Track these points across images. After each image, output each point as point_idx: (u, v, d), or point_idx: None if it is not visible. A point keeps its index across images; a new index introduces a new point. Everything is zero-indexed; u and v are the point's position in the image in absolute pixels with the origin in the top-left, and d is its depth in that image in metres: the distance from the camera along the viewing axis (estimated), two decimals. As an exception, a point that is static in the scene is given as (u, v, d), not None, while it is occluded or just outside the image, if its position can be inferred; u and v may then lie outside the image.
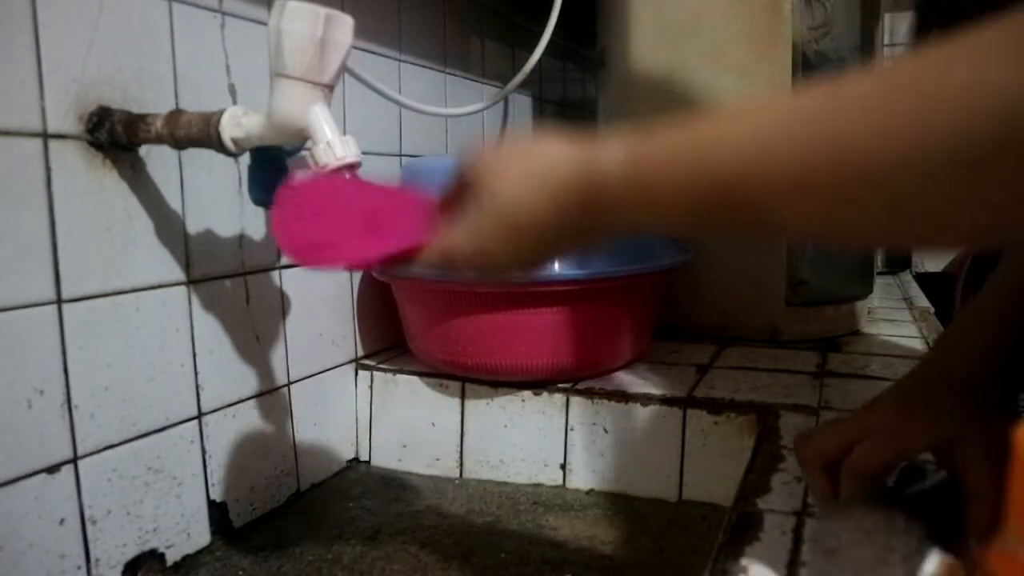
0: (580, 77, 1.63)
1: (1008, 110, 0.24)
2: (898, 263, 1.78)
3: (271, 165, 0.61)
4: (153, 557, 0.64)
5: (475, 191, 0.41)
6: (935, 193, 0.27)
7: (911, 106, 0.26)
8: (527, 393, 0.82)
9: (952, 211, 0.27)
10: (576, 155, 0.39)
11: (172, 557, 0.66)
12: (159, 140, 0.58)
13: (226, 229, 0.70)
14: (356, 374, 0.89)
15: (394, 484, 0.84)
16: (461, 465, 0.85)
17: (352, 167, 0.53)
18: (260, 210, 0.73)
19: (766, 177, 0.31)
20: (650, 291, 0.86)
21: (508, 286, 0.76)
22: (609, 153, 0.37)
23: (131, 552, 0.62)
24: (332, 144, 0.52)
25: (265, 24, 0.52)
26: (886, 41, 1.50)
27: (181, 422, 0.66)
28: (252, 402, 0.74)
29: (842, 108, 0.29)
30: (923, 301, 1.35)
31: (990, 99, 0.24)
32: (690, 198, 0.34)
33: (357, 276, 0.90)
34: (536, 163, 0.39)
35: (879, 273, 1.39)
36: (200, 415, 0.68)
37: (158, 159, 0.63)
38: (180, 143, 0.58)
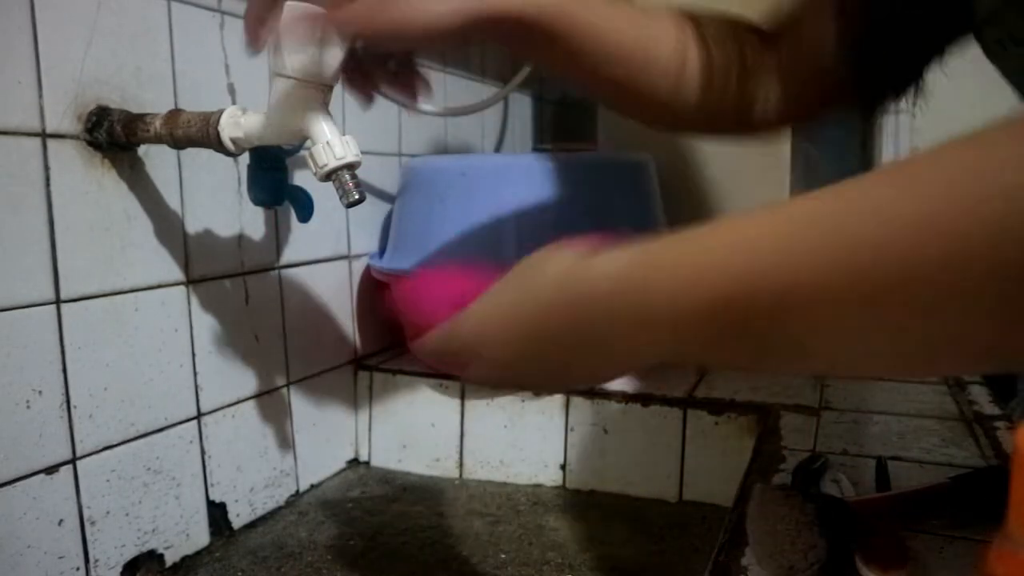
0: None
1: None
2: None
3: (270, 165, 0.61)
4: (152, 558, 0.64)
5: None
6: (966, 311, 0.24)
7: (946, 209, 0.24)
8: (527, 393, 0.82)
9: (988, 329, 0.24)
10: (568, 259, 0.35)
11: (171, 558, 0.65)
12: (158, 140, 0.58)
13: (225, 229, 0.70)
14: (356, 374, 0.89)
15: (394, 484, 0.84)
16: (461, 465, 0.85)
17: (352, 167, 0.53)
18: (259, 210, 0.73)
19: (786, 281, 0.27)
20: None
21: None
22: (603, 260, 0.34)
23: (130, 553, 0.62)
24: (332, 144, 0.52)
25: (264, 23, 0.52)
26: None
27: (180, 422, 0.66)
28: (251, 402, 0.74)
29: (864, 209, 0.26)
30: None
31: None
32: (697, 310, 0.30)
33: (357, 276, 0.90)
34: (528, 266, 0.38)
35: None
36: (199, 415, 0.68)
37: (157, 159, 0.63)
38: (179, 143, 0.57)
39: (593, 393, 0.80)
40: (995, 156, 0.24)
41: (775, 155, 0.94)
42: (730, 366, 0.35)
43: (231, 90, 0.69)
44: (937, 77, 0.48)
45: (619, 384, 0.82)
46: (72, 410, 0.57)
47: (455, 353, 0.40)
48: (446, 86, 1.09)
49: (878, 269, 0.25)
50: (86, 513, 0.58)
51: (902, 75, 0.49)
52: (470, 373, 0.40)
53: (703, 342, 0.31)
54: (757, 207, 0.29)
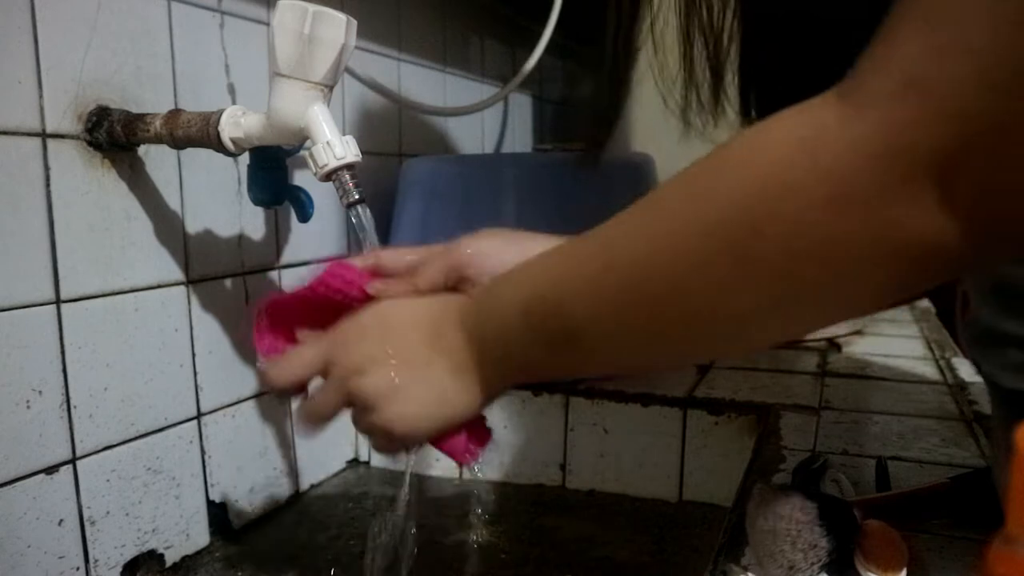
0: (580, 77, 1.63)
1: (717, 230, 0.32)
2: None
3: (270, 165, 0.61)
4: (152, 558, 0.64)
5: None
6: (682, 292, 0.33)
7: (655, 227, 0.35)
8: (527, 393, 0.82)
9: (704, 307, 0.33)
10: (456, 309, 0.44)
11: (171, 558, 0.65)
12: (158, 140, 0.58)
13: (225, 229, 0.70)
14: (356, 374, 0.89)
15: (394, 485, 0.84)
16: (461, 465, 0.85)
17: (352, 167, 0.53)
18: (259, 210, 0.73)
19: (567, 285, 0.38)
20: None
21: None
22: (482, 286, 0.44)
23: (130, 553, 0.62)
24: (331, 144, 0.52)
25: (265, 24, 0.52)
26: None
27: (180, 422, 0.66)
28: (252, 402, 0.74)
29: (615, 226, 0.37)
30: (923, 301, 1.35)
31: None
32: (518, 303, 0.39)
33: (357, 276, 0.90)
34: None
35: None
36: (199, 415, 0.68)
37: (157, 159, 0.63)
38: (179, 143, 0.57)
39: (593, 393, 0.80)
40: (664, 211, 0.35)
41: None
42: (549, 371, 0.44)
43: (231, 90, 0.69)
44: None
45: (619, 384, 0.82)
46: (72, 410, 0.57)
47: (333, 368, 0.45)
48: (446, 86, 1.09)
49: (611, 279, 0.36)
50: (86, 513, 0.58)
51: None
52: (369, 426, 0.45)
53: (524, 345, 0.40)
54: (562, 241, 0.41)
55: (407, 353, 0.43)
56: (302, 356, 0.46)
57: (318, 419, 0.46)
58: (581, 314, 0.37)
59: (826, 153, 0.28)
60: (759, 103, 0.49)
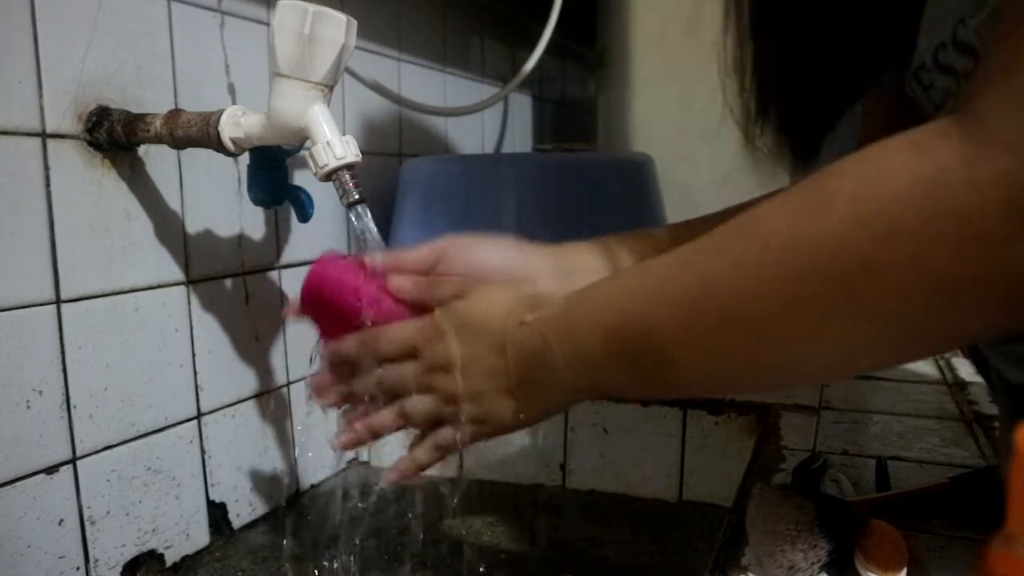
0: (580, 77, 1.63)
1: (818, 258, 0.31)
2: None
3: (270, 165, 0.61)
4: (152, 558, 0.64)
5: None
6: (782, 322, 0.33)
7: (756, 252, 0.34)
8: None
9: (800, 338, 0.33)
10: (519, 296, 0.44)
11: (171, 558, 0.65)
12: (158, 140, 0.58)
13: (225, 229, 0.70)
14: (356, 374, 0.89)
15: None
16: (461, 465, 0.85)
17: (352, 167, 0.53)
18: (259, 210, 0.73)
19: (653, 311, 0.37)
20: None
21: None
22: (550, 295, 0.43)
23: (130, 553, 0.62)
24: (332, 144, 0.52)
25: (265, 24, 0.52)
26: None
27: (180, 422, 0.66)
28: (252, 402, 0.74)
29: (708, 252, 0.36)
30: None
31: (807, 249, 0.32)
32: (601, 328, 0.39)
33: (357, 276, 0.90)
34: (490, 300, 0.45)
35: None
36: (199, 415, 0.68)
37: (157, 159, 0.63)
38: (179, 143, 0.57)
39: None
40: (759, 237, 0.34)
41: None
42: (625, 392, 0.47)
43: (231, 90, 0.69)
44: None
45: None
46: (72, 410, 0.57)
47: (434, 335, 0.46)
48: (446, 86, 1.09)
49: (711, 307, 0.35)
50: (86, 513, 0.58)
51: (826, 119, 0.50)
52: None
53: (606, 370, 0.40)
54: (631, 266, 0.43)
55: (478, 363, 0.44)
56: (400, 332, 0.47)
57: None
58: (674, 341, 0.37)
59: (950, 194, 0.28)
60: (777, 104, 0.49)
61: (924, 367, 0.87)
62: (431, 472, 0.85)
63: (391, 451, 0.88)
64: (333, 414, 0.82)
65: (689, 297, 0.36)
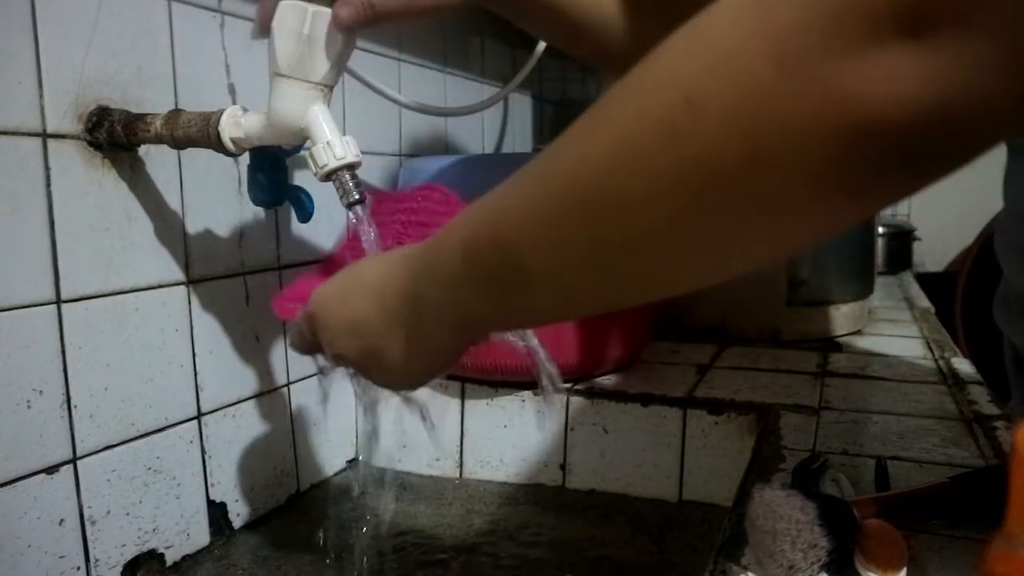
0: (580, 77, 1.63)
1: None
2: (898, 263, 1.78)
3: (271, 165, 0.61)
4: (152, 557, 0.64)
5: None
6: (639, 218, 0.29)
7: (607, 142, 0.29)
8: (527, 393, 0.82)
9: (662, 233, 0.29)
10: (399, 258, 0.42)
11: (172, 557, 0.65)
12: (158, 140, 0.58)
13: (225, 229, 0.70)
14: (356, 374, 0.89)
15: (394, 484, 0.84)
16: (461, 465, 0.85)
17: (352, 167, 0.53)
18: (259, 210, 0.73)
19: (509, 217, 0.34)
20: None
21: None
22: (428, 243, 0.40)
23: (130, 552, 0.62)
24: (332, 144, 0.52)
25: (264, 24, 0.52)
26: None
27: (181, 422, 0.66)
28: (252, 402, 0.74)
29: (561, 152, 0.32)
30: (924, 301, 1.35)
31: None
32: (460, 241, 0.36)
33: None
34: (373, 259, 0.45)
35: (879, 273, 1.39)
36: (200, 415, 0.68)
37: (157, 159, 0.63)
38: (179, 143, 0.57)
39: (593, 393, 0.80)
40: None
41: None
42: (502, 323, 0.42)
43: (231, 90, 0.69)
44: None
45: (619, 384, 0.82)
46: (72, 410, 0.57)
47: (309, 318, 0.46)
48: (446, 86, 1.09)
49: (543, 192, 0.32)
50: (87, 513, 0.58)
51: None
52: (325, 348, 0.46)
53: (471, 295, 0.36)
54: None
55: (366, 332, 0.43)
56: (296, 330, 0.49)
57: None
58: (519, 241, 0.33)
59: (775, 9, 0.24)
60: None
61: (924, 367, 0.87)
62: (431, 472, 0.85)
63: (392, 451, 0.88)
64: (332, 413, 0.82)
65: (527, 188, 0.33)
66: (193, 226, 0.66)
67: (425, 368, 0.44)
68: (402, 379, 0.45)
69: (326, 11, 0.51)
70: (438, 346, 0.41)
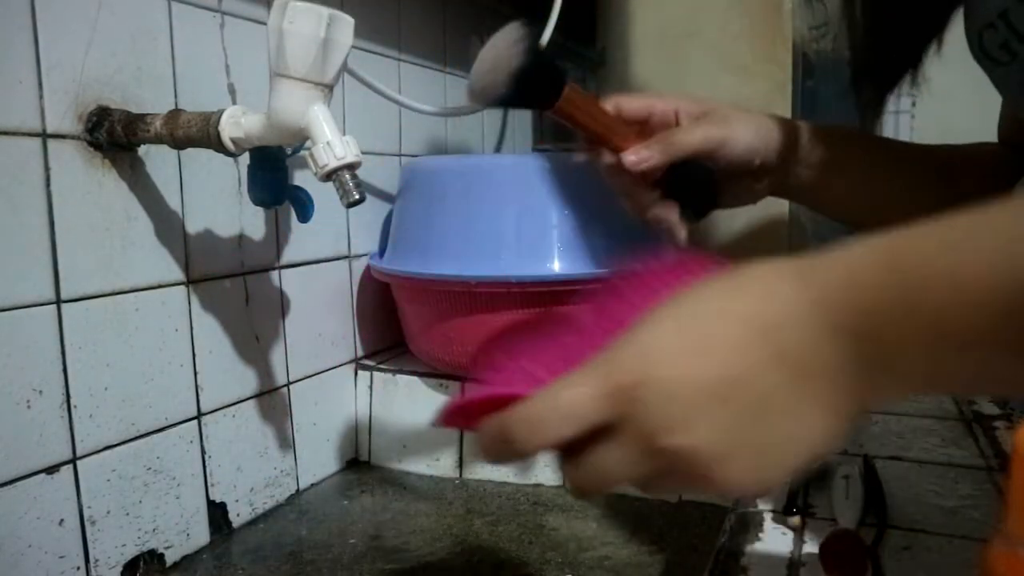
0: (580, 77, 1.63)
1: None
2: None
3: (271, 165, 0.61)
4: (152, 557, 0.64)
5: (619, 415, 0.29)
6: None
7: None
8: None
9: None
10: (789, 276, 0.28)
11: (171, 557, 0.65)
12: (158, 140, 0.58)
13: (225, 229, 0.70)
14: (356, 374, 0.89)
15: (394, 484, 0.84)
16: (461, 465, 0.85)
17: (352, 167, 0.53)
18: (259, 210, 0.73)
19: None
20: (650, 291, 0.85)
21: (508, 287, 0.75)
22: (838, 255, 0.27)
23: (130, 552, 0.62)
24: (332, 144, 0.52)
25: (265, 24, 0.52)
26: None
27: (180, 422, 0.66)
28: (252, 402, 0.74)
29: None
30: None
31: None
32: (995, 289, 0.24)
33: (357, 276, 0.90)
34: (728, 283, 0.29)
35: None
36: (199, 415, 0.68)
37: (157, 159, 0.63)
38: (179, 143, 0.57)
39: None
40: None
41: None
42: (1005, 389, 0.32)
43: (231, 90, 0.69)
44: (937, 78, 0.50)
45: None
46: (72, 410, 0.57)
47: (620, 394, 0.29)
48: (446, 86, 1.09)
49: None
50: (86, 513, 0.58)
51: (901, 64, 0.51)
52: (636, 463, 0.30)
53: (990, 361, 0.25)
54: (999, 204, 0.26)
55: (740, 385, 0.28)
56: (573, 400, 0.31)
57: (596, 491, 0.34)
58: None
59: None
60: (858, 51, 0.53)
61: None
62: (431, 472, 0.85)
63: (392, 451, 0.88)
64: (332, 414, 0.82)
65: None
66: (193, 226, 0.66)
67: (824, 440, 0.29)
68: (781, 462, 0.29)
69: (338, 14, 0.51)
70: (872, 398, 0.28)
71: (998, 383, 0.28)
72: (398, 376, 0.88)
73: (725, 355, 0.27)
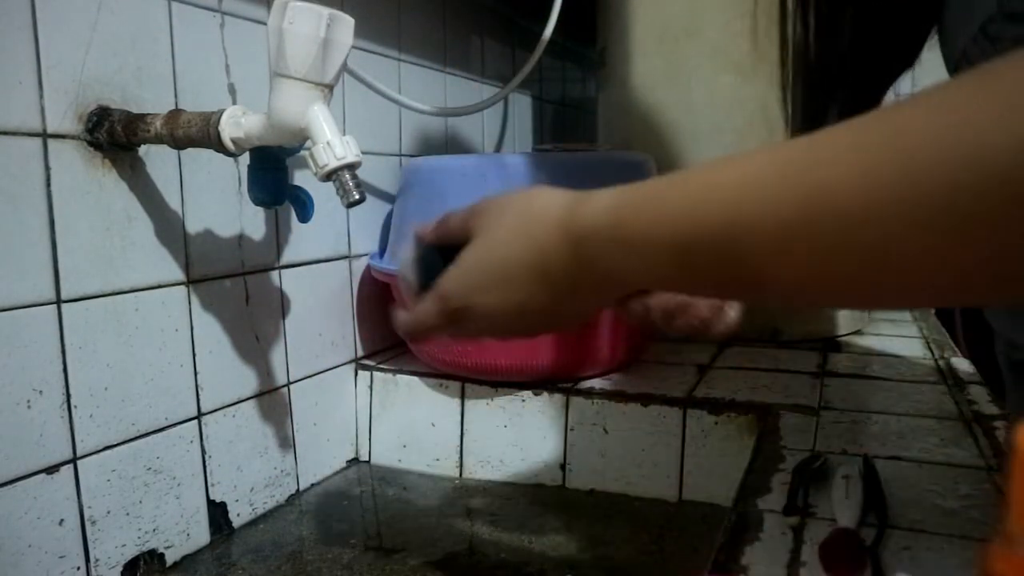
0: (580, 77, 1.63)
1: (1005, 171, 0.23)
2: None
3: (271, 165, 0.61)
4: (153, 557, 0.64)
5: (468, 236, 0.44)
6: (913, 245, 0.26)
7: (894, 158, 0.26)
8: (527, 393, 0.82)
9: (929, 264, 0.26)
10: (563, 203, 0.40)
11: (172, 557, 0.66)
12: (158, 140, 0.58)
13: (225, 229, 0.70)
14: (356, 374, 0.89)
15: (394, 484, 0.84)
16: (461, 465, 0.85)
17: (352, 167, 0.53)
18: (260, 210, 0.73)
19: (745, 222, 0.30)
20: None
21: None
22: (595, 201, 0.38)
23: (130, 552, 0.62)
24: (332, 144, 0.52)
25: (265, 24, 0.52)
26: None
27: (181, 422, 0.66)
28: (252, 402, 0.74)
29: (823, 156, 0.28)
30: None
31: (986, 157, 0.23)
32: (673, 244, 0.33)
33: (357, 276, 0.90)
34: (525, 211, 0.42)
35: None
36: (200, 415, 0.68)
37: (157, 159, 0.63)
38: (179, 143, 0.57)
39: (593, 393, 0.80)
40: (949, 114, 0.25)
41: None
42: (701, 293, 0.43)
43: (231, 90, 0.69)
44: (933, 68, 0.50)
45: (619, 384, 0.82)
46: (73, 410, 0.57)
47: (451, 314, 0.44)
48: (446, 86, 1.09)
49: (816, 225, 0.28)
50: (87, 513, 0.58)
51: (902, 54, 0.52)
52: (459, 333, 0.46)
53: (673, 281, 0.36)
54: (731, 154, 0.32)
55: (524, 305, 0.42)
56: (423, 322, 0.47)
57: (420, 336, 0.49)
58: (763, 264, 0.30)
59: None
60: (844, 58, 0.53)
61: (924, 367, 0.87)
62: (431, 472, 0.85)
63: (392, 451, 0.88)
64: (332, 413, 0.82)
65: (788, 210, 0.29)
66: (193, 226, 0.66)
67: (573, 321, 0.45)
68: (545, 329, 0.46)
69: (339, 15, 0.51)
70: (597, 302, 0.43)
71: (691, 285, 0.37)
72: (398, 376, 0.88)
73: (515, 290, 0.42)
